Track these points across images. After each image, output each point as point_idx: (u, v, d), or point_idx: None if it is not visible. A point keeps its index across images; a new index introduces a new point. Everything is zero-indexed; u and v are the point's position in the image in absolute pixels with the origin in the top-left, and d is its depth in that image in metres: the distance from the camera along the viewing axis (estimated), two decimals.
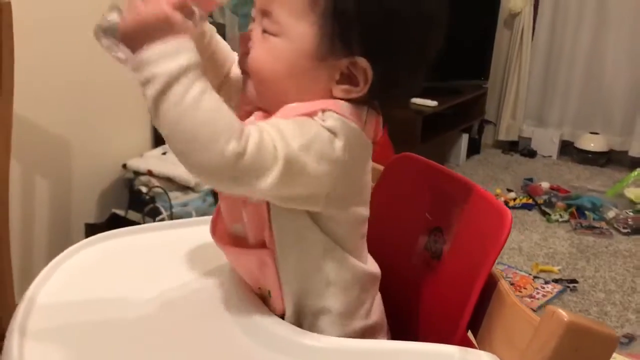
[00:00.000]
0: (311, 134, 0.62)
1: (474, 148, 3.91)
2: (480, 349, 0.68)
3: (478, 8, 3.59)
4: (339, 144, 0.64)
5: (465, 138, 3.72)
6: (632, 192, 2.98)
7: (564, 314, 0.57)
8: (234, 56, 0.80)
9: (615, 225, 2.81)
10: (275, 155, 0.60)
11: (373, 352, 0.67)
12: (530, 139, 3.97)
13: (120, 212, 2.04)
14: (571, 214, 2.89)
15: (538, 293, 2.21)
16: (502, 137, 4.00)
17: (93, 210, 2.13)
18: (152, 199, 2.00)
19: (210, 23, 0.80)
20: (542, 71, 3.88)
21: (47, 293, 0.75)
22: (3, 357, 0.64)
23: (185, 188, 2.12)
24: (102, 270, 0.83)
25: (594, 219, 2.86)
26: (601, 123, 3.74)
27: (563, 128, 3.89)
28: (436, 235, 0.83)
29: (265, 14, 0.66)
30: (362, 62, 0.66)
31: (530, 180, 3.28)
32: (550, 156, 3.89)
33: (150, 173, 2.07)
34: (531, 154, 3.90)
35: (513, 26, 3.82)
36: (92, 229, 1.99)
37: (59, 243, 2.03)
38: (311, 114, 0.64)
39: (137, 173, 2.10)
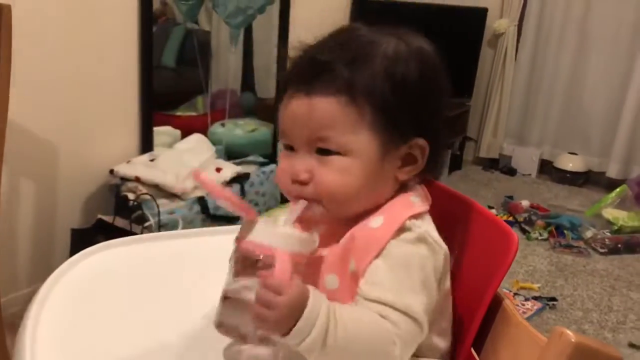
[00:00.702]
0: (417, 267, 0.67)
1: (455, 164, 3.96)
2: None
3: (464, 27, 3.66)
4: (430, 245, 0.69)
5: (447, 154, 3.76)
6: (609, 213, 3.04)
7: (571, 334, 0.59)
8: None
9: (593, 245, 2.86)
10: (418, 324, 0.65)
11: None
12: (510, 157, 4.04)
13: (106, 218, 2.02)
14: (550, 233, 2.94)
15: (518, 310, 2.22)
16: (483, 154, 4.07)
17: (78, 215, 2.11)
18: (139, 206, 1.99)
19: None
20: (523, 91, 3.95)
21: (53, 304, 0.75)
22: None
23: (172, 196, 2.12)
24: (108, 280, 0.82)
25: (572, 238, 2.91)
26: (580, 144, 3.83)
27: (543, 147, 3.96)
28: None
29: (320, 140, 0.68)
30: (419, 140, 0.71)
31: (511, 198, 3.33)
32: (530, 174, 3.96)
33: (137, 179, 2.06)
34: (511, 171, 3.97)
35: (497, 46, 3.89)
36: (78, 235, 1.97)
37: (44, 247, 2.01)
38: (401, 231, 0.68)
39: (124, 179, 2.09)
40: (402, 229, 0.68)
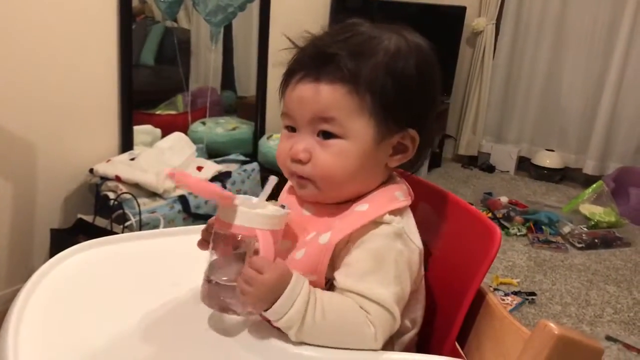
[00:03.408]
0: (391, 261, 0.71)
1: (435, 161, 3.99)
2: None
3: (442, 26, 3.69)
4: (405, 241, 0.73)
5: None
6: (586, 209, 3.09)
7: (554, 326, 0.60)
8: None
9: (571, 240, 2.91)
10: (390, 313, 0.69)
11: None
12: (489, 154, 4.09)
13: (86, 218, 2.00)
14: (528, 229, 2.98)
15: None
16: (462, 151, 4.10)
17: (58, 215, 2.09)
18: (120, 205, 1.97)
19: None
20: (502, 89, 4.00)
21: (36, 304, 0.74)
22: None
23: (152, 195, 2.11)
24: (90, 279, 0.82)
25: (550, 233, 2.95)
26: (557, 141, 3.88)
27: (521, 144, 4.01)
28: None
29: (325, 120, 0.73)
30: (411, 131, 0.76)
31: (490, 194, 3.36)
32: (508, 171, 4.00)
33: (118, 179, 2.05)
34: (490, 168, 4.01)
35: (475, 44, 3.93)
36: (57, 235, 1.95)
37: (23, 247, 1.99)
38: (379, 223, 0.72)
39: (104, 178, 2.07)
40: (382, 222, 0.72)
